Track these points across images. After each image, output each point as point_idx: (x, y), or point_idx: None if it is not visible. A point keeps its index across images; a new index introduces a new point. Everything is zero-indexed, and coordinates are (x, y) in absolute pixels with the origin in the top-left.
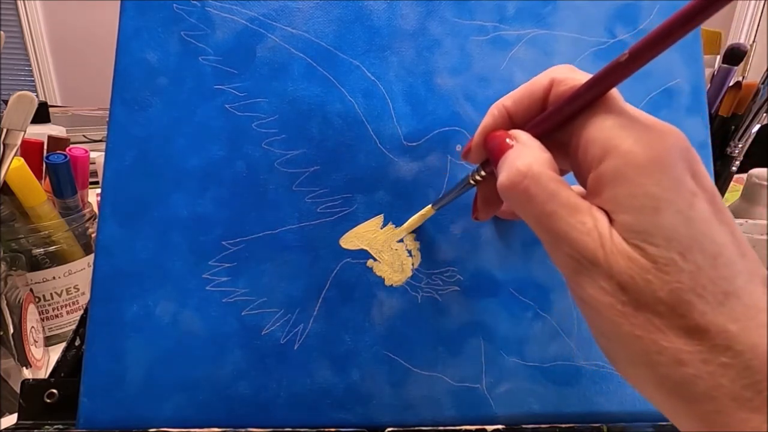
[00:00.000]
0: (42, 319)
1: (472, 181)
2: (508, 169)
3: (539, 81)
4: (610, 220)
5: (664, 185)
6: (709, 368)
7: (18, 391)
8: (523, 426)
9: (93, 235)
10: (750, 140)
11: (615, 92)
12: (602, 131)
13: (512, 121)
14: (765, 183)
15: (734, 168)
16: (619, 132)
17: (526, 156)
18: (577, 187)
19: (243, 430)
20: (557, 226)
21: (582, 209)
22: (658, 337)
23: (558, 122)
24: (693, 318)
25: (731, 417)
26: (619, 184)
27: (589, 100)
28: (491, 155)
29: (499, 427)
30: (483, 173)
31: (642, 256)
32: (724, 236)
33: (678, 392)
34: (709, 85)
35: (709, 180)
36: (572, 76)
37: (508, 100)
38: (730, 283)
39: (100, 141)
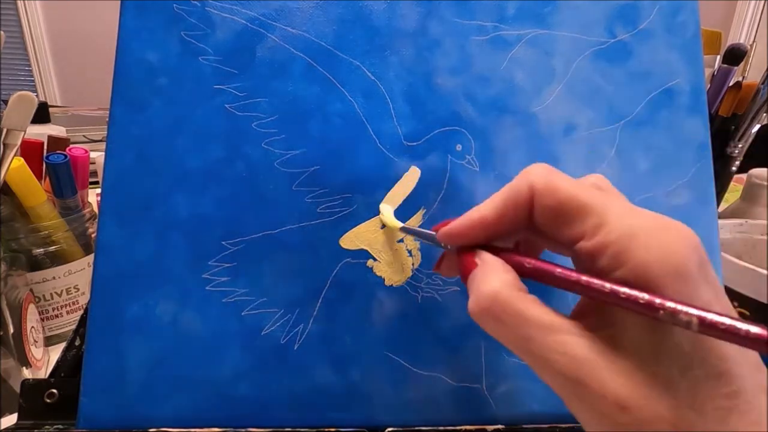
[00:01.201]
0: (42, 319)
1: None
2: (475, 293)
3: (519, 191)
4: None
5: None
6: None
7: (18, 391)
8: (523, 426)
9: (93, 235)
10: (750, 140)
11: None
12: (612, 234)
13: (494, 231)
14: (765, 183)
15: (734, 168)
16: (629, 242)
17: (491, 280)
18: None
19: (243, 430)
20: (535, 350)
21: (559, 328)
22: None
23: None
24: None
25: None
26: None
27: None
28: (461, 272)
29: (499, 427)
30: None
31: (639, 372)
32: (729, 348)
33: None
34: (709, 85)
35: (716, 280)
36: (553, 185)
37: (489, 211)
38: (732, 399)
39: (100, 141)
